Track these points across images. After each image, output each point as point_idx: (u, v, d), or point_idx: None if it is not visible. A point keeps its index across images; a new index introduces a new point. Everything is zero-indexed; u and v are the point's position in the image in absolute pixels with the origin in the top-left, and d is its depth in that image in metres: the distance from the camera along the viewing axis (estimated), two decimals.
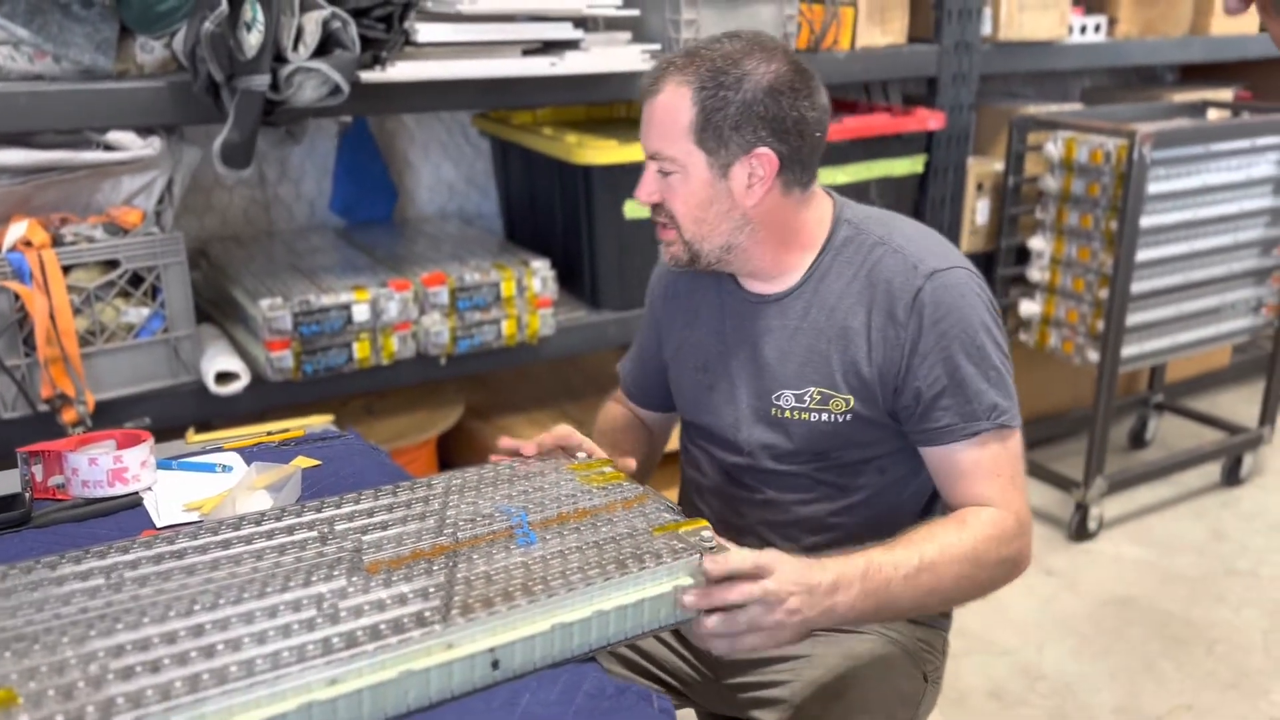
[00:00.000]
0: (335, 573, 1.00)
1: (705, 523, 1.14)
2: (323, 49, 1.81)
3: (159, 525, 1.22)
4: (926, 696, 1.42)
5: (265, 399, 2.11)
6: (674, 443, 1.63)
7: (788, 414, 1.37)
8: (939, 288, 1.29)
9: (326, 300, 2.09)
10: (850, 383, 1.33)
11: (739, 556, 1.06)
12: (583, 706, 0.93)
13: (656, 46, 2.25)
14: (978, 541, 1.23)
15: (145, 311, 2.00)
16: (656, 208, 1.35)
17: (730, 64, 1.27)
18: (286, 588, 0.97)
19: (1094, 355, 2.81)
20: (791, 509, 1.42)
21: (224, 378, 2.06)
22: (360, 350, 2.14)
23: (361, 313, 2.12)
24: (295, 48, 1.78)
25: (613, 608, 1.01)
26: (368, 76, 1.91)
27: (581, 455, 1.32)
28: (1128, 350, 2.78)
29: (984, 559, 1.23)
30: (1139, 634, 2.52)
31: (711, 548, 1.09)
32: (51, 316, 1.86)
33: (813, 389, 1.35)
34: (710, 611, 1.06)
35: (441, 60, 2.01)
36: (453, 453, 2.80)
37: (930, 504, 1.45)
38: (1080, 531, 2.90)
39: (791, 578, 1.08)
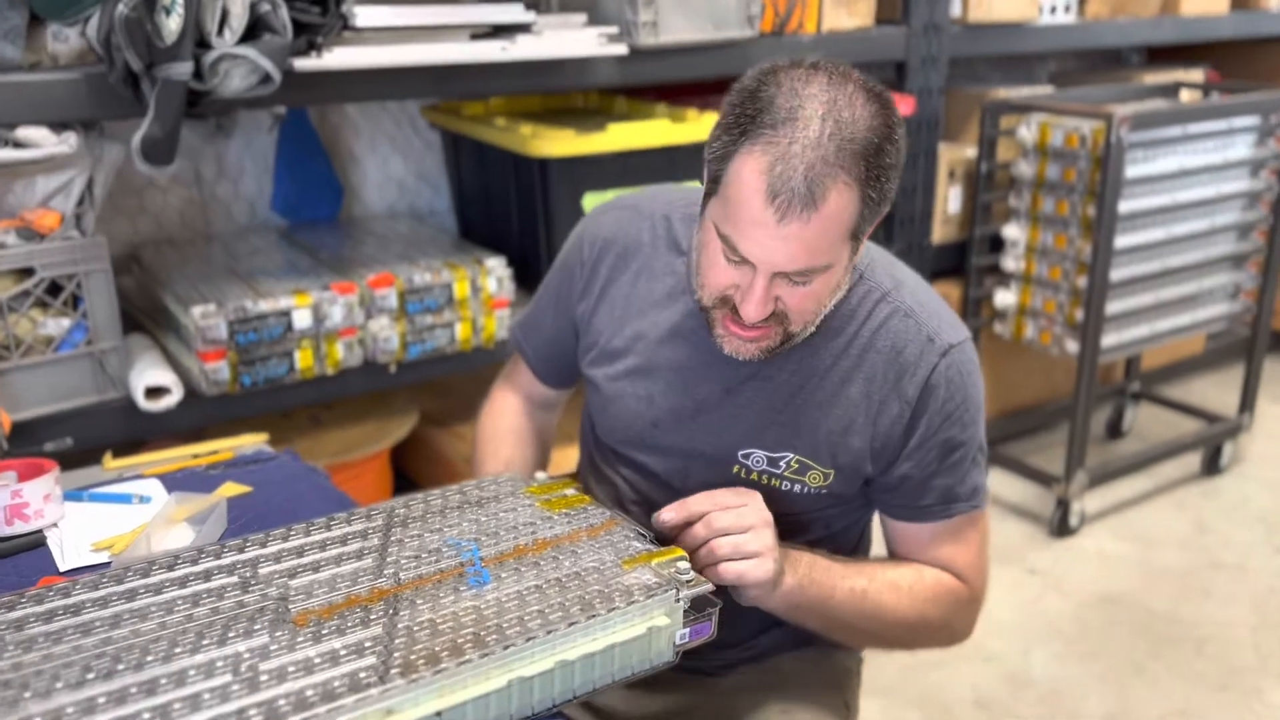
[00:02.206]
0: (257, 627, 0.87)
1: (680, 551, 1.02)
2: (251, 34, 1.66)
3: (62, 569, 1.08)
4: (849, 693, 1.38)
5: (201, 414, 1.96)
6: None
7: (754, 476, 1.20)
8: (953, 366, 1.16)
9: (265, 306, 1.94)
10: (837, 459, 1.18)
11: (695, 499, 1.07)
12: None
13: (614, 30, 2.12)
14: (929, 595, 1.19)
15: (66, 323, 1.84)
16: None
17: (872, 129, 1.00)
18: (199, 647, 0.84)
19: (1073, 346, 2.72)
20: None
21: (155, 392, 1.90)
22: (303, 359, 2.00)
23: (303, 319, 1.98)
24: (220, 32, 1.64)
25: (578, 656, 0.89)
26: (302, 64, 1.76)
27: (540, 475, 1.19)
28: (1107, 340, 2.70)
29: (929, 617, 1.20)
30: (1126, 634, 2.44)
31: (688, 580, 0.97)
32: None
33: (791, 456, 1.18)
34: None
35: (383, 46, 1.87)
36: (408, 463, 2.66)
37: (858, 544, 1.36)
38: (1062, 528, 2.81)
39: (747, 491, 1.08)
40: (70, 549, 1.11)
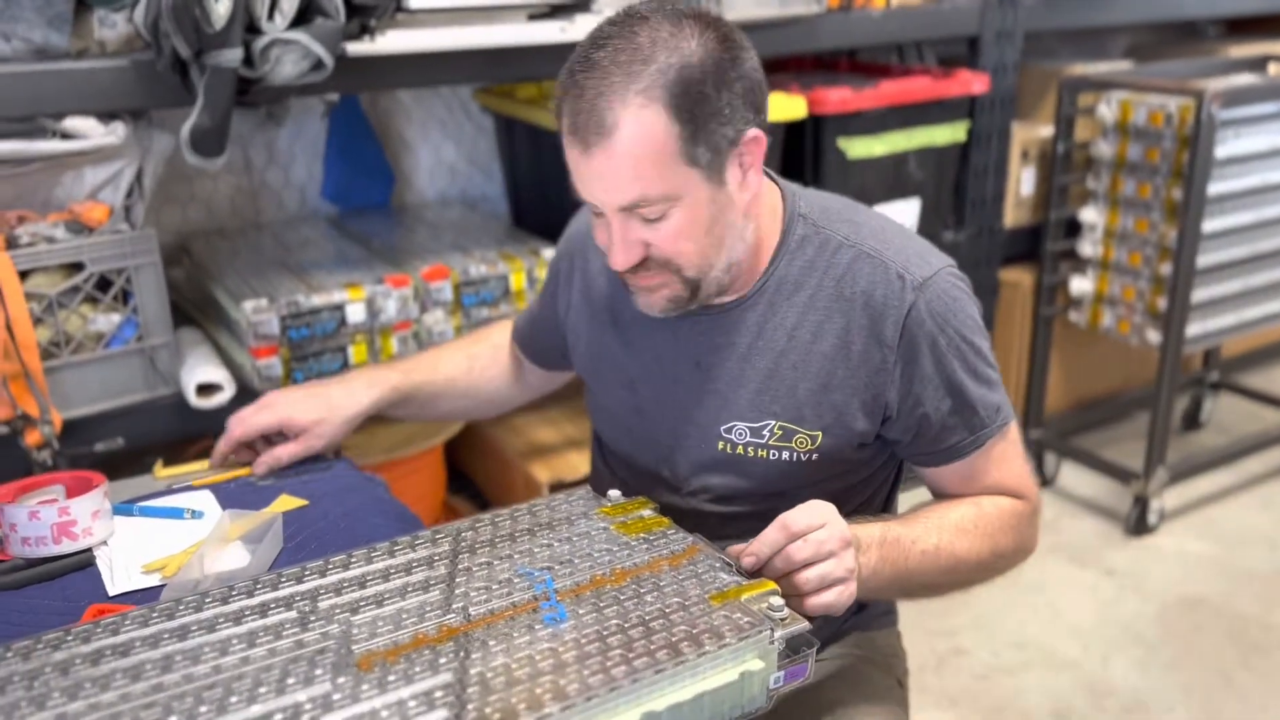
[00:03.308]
0: (318, 671, 0.80)
1: (772, 584, 0.93)
2: (302, 18, 1.59)
3: (112, 593, 1.02)
4: (904, 702, 1.31)
5: None
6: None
7: (740, 450, 1.16)
8: (932, 301, 1.11)
9: (317, 300, 1.88)
10: (823, 418, 1.13)
11: (768, 534, 0.97)
12: None
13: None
14: (995, 526, 1.16)
15: (116, 318, 1.79)
16: (639, 264, 1.08)
17: (680, 51, 0.99)
18: (255, 696, 0.77)
19: (1154, 336, 2.59)
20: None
21: (206, 389, 1.85)
22: (356, 354, 1.93)
23: (356, 313, 1.91)
24: (271, 17, 1.56)
25: (666, 707, 0.81)
26: (354, 49, 1.69)
27: (614, 494, 1.11)
28: (1192, 329, 2.56)
29: (1001, 545, 1.16)
30: (1213, 641, 2.32)
31: (783, 619, 0.88)
32: (9, 328, 1.65)
33: (773, 423, 1.14)
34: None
35: (438, 29, 1.79)
36: (463, 460, 2.60)
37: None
38: (1140, 526, 2.69)
39: (820, 509, 0.99)
40: (120, 571, 1.05)
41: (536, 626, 0.86)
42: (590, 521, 1.04)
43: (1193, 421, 3.27)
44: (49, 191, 1.76)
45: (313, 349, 1.89)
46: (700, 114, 1.00)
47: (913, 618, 2.37)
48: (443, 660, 0.81)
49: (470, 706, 0.76)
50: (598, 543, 0.99)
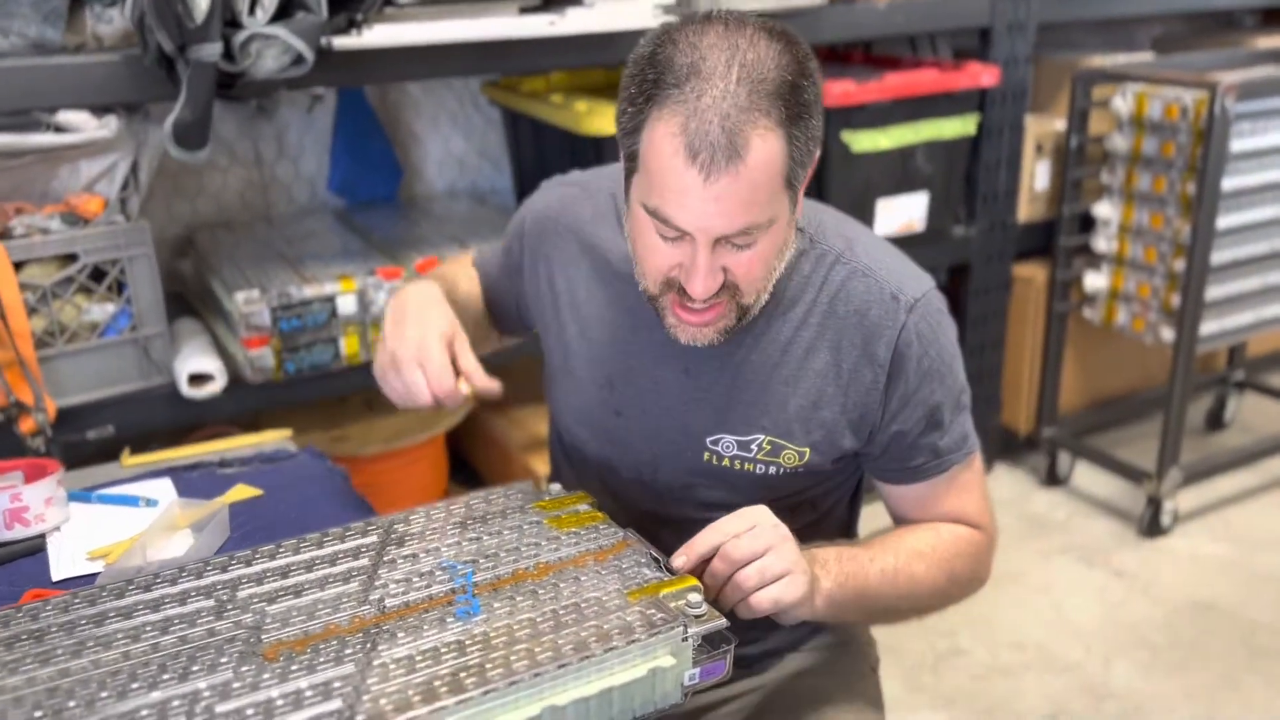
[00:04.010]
0: (224, 660, 0.81)
1: (694, 581, 0.93)
2: (284, 12, 1.61)
3: (55, 579, 1.04)
4: (878, 688, 1.31)
5: (245, 402, 1.93)
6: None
7: (726, 462, 1.14)
8: (922, 321, 1.11)
9: (309, 292, 1.90)
10: (811, 435, 1.12)
11: (702, 536, 0.97)
12: None
13: (671, 0, 2.01)
14: (952, 553, 1.16)
15: (110, 308, 1.82)
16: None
17: (786, 69, 0.94)
18: (158, 683, 0.78)
19: (1168, 334, 2.54)
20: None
21: (199, 379, 1.88)
22: (348, 345, 1.95)
23: (347, 305, 1.93)
24: (252, 11, 1.58)
25: (570, 701, 0.81)
26: (341, 43, 1.70)
27: (554, 488, 1.11)
28: (1206, 327, 2.50)
29: (957, 572, 1.16)
30: (1221, 645, 2.27)
31: (699, 615, 0.88)
32: (3, 317, 1.69)
33: (762, 437, 1.12)
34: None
35: (426, 22, 1.80)
36: (467, 449, 2.61)
37: (849, 527, 1.31)
38: (1153, 527, 2.63)
39: (753, 512, 0.99)
40: (66, 557, 1.07)
41: (448, 620, 0.86)
42: (524, 515, 1.04)
43: (1216, 421, 3.19)
44: (46, 184, 1.80)
45: (303, 340, 1.91)
46: (803, 136, 0.96)
47: None
48: (348, 651, 0.82)
49: (365, 698, 0.76)
50: (527, 536, 1.00)
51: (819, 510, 1.24)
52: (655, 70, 0.95)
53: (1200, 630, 2.32)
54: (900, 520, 1.22)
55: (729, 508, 1.14)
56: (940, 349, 1.12)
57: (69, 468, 1.54)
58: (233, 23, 1.58)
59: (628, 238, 1.07)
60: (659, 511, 1.18)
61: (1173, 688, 2.15)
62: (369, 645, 0.82)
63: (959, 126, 2.49)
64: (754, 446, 1.13)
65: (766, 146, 0.93)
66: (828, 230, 1.14)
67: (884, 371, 1.10)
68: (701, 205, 0.94)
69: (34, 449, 1.73)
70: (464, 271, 1.36)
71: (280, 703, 0.76)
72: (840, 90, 2.26)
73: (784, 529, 0.99)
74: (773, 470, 1.14)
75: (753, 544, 0.96)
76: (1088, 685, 2.16)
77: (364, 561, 0.95)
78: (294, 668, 0.80)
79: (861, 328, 1.10)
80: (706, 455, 1.14)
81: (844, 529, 1.30)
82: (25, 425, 1.73)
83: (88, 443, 1.81)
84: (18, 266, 1.70)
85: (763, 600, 0.96)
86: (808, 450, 1.13)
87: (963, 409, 1.16)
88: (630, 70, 0.98)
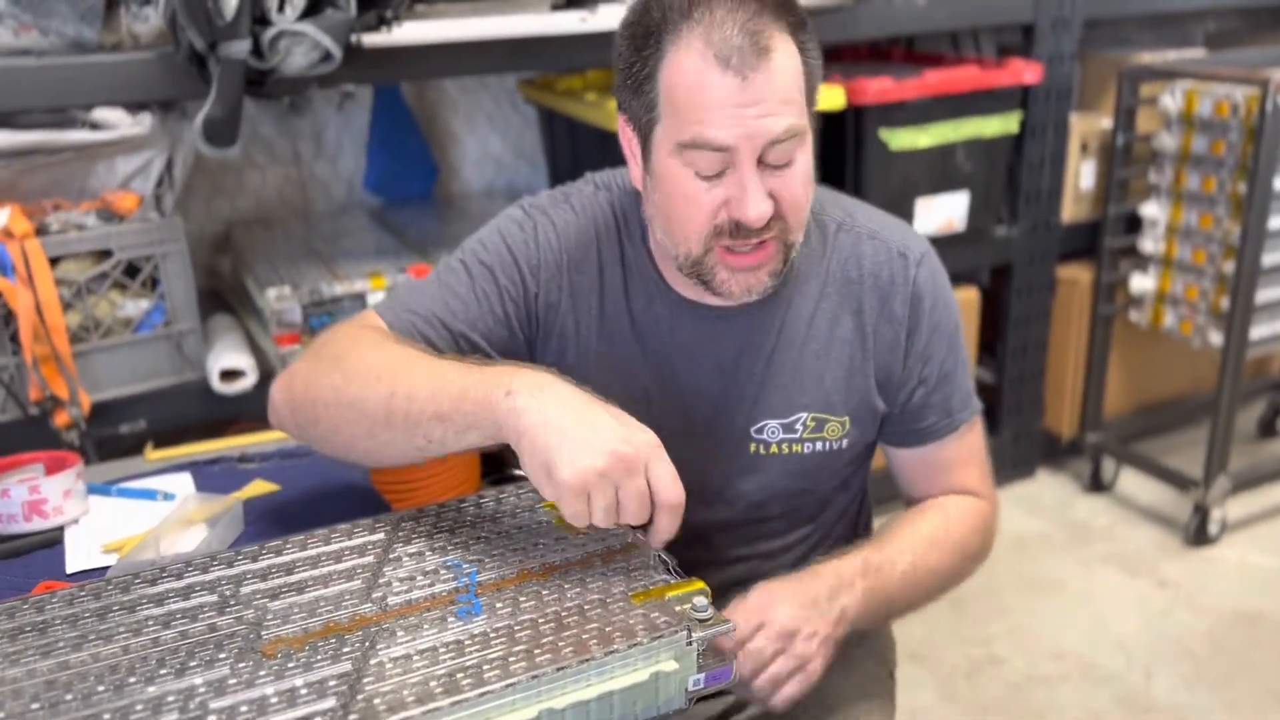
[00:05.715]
0: (222, 656, 0.80)
1: (701, 584, 0.91)
2: (313, 9, 1.61)
3: (69, 572, 1.05)
4: (893, 694, 1.30)
5: None
6: None
7: (774, 448, 1.14)
8: (927, 275, 1.14)
9: (340, 288, 1.91)
10: (849, 402, 1.13)
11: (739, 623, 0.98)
12: None
13: None
14: (964, 533, 1.18)
15: (145, 304, 1.84)
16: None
17: None
18: (154, 678, 0.78)
19: (1217, 337, 2.47)
20: (754, 563, 1.21)
21: (230, 375, 1.89)
22: None
23: (377, 301, 1.93)
24: (281, 8, 1.59)
25: (568, 705, 0.79)
26: (371, 40, 1.71)
27: None
28: (1257, 331, 2.43)
29: (970, 550, 1.18)
30: (1266, 658, 2.20)
31: (705, 620, 0.86)
32: (39, 311, 1.71)
33: (805, 415, 1.13)
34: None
35: (455, 19, 1.79)
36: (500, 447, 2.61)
37: (859, 511, 1.32)
38: (1199, 536, 2.56)
39: (792, 609, 1.01)
40: (82, 550, 1.08)
41: (449, 619, 0.85)
42: (533, 515, 1.03)
43: (1269, 429, 3.10)
44: (84, 180, 1.82)
45: None
46: (812, 48, 1.00)
47: (947, 624, 2.31)
48: (346, 649, 0.81)
49: (360, 697, 0.75)
50: (535, 536, 0.98)
51: (850, 490, 1.25)
52: (659, 13, 0.97)
53: (1246, 643, 2.25)
54: (908, 489, 1.24)
55: (774, 500, 1.18)
56: (946, 303, 1.16)
57: (101, 460, 1.56)
58: (262, 20, 1.59)
59: (655, 216, 1.05)
60: (705, 518, 1.14)
61: (1216, 701, 2.09)
62: (368, 644, 0.82)
63: (1001, 125, 2.44)
64: (799, 426, 1.14)
65: (786, 51, 0.96)
66: (826, 204, 1.16)
67: (903, 327, 1.13)
68: (744, 111, 0.94)
69: (68, 442, 1.76)
70: (387, 334, 1.12)
71: (274, 700, 0.75)
72: (878, 87, 2.22)
73: (784, 622, 1.00)
74: (819, 446, 1.15)
75: (759, 657, 1.00)
76: (1128, 697, 2.11)
77: (369, 559, 0.94)
78: (291, 665, 0.79)
79: (878, 289, 1.13)
80: (753, 446, 1.15)
81: (859, 503, 1.31)
82: (60, 419, 1.76)
83: (121, 437, 1.83)
84: (54, 262, 1.72)
85: (784, 699, 1.02)
86: (848, 419, 1.14)
87: (965, 365, 1.19)
88: (626, 32, 1.00)
